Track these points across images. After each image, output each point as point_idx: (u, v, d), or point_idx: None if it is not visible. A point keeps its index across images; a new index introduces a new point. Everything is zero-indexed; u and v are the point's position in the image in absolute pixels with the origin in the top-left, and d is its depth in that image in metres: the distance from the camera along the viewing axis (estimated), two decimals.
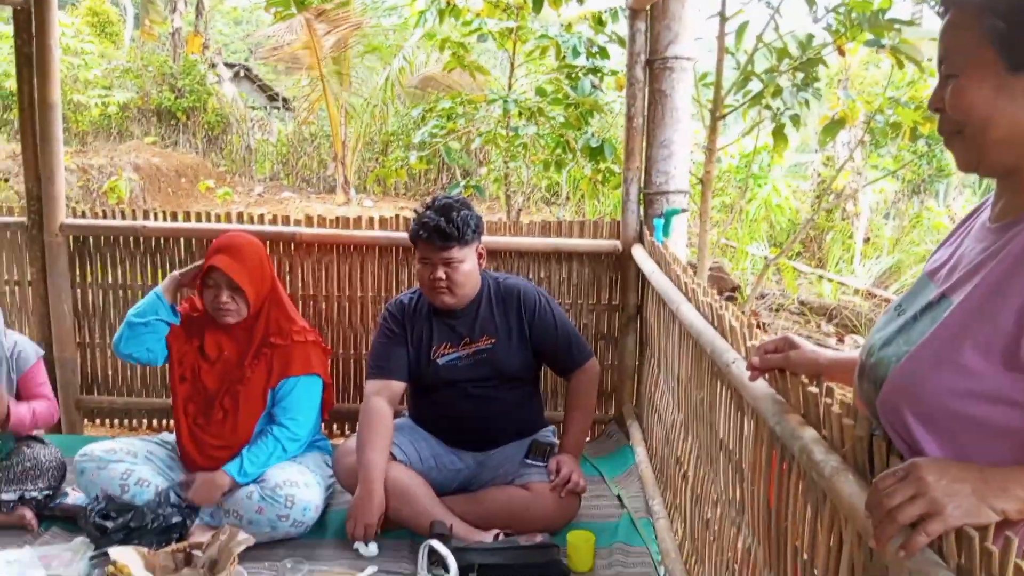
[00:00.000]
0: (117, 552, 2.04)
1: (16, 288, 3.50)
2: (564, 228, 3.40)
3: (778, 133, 4.41)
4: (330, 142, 11.95)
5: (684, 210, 3.17)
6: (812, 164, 9.80)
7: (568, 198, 10.24)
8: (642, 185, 3.24)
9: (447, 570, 1.97)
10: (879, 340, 1.14)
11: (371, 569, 2.32)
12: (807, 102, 4.31)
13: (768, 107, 4.42)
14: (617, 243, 3.32)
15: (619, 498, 2.85)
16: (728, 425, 1.90)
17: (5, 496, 2.57)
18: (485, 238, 3.28)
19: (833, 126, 4.77)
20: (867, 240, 8.73)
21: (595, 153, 4.85)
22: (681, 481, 2.43)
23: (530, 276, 3.37)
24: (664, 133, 3.12)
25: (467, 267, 2.60)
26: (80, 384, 3.55)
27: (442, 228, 2.52)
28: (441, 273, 2.58)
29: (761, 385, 1.51)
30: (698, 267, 4.92)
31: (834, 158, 8.90)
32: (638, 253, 3.14)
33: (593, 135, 4.84)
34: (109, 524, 2.41)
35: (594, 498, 2.84)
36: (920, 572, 0.88)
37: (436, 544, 2.00)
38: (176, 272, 2.80)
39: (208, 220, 3.41)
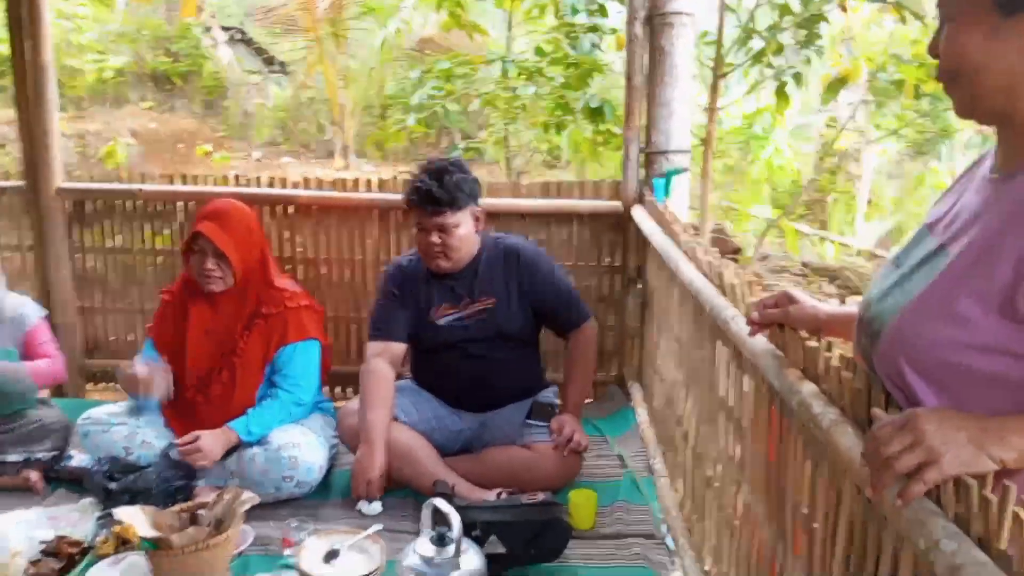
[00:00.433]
0: (123, 512, 2.04)
1: (15, 253, 3.50)
2: (564, 189, 3.38)
3: (780, 92, 4.38)
4: (328, 106, 11.83)
5: (685, 169, 3.14)
6: (815, 126, 9.71)
7: (569, 161, 10.16)
8: (642, 145, 3.21)
9: (450, 528, 1.98)
10: (877, 293, 1.13)
11: (375, 528, 2.34)
12: (809, 60, 4.27)
13: (770, 65, 4.37)
14: (618, 204, 3.30)
15: (620, 458, 2.87)
16: (728, 383, 1.90)
17: (11, 458, 2.60)
18: (484, 200, 3.27)
19: (835, 84, 4.73)
20: (870, 202, 8.68)
21: (595, 114, 4.81)
22: (682, 440, 2.45)
23: (530, 238, 3.35)
24: (664, 91, 3.08)
25: (462, 232, 2.58)
26: (82, 348, 3.56)
27: (433, 194, 2.50)
28: (435, 238, 2.56)
29: (760, 341, 1.51)
30: (700, 228, 4.90)
31: (838, 119, 8.81)
32: (638, 214, 3.12)
33: (593, 96, 4.79)
34: (114, 485, 2.44)
35: (596, 458, 2.86)
36: (917, 521, 0.88)
37: (439, 502, 2.01)
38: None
39: (205, 183, 3.40)
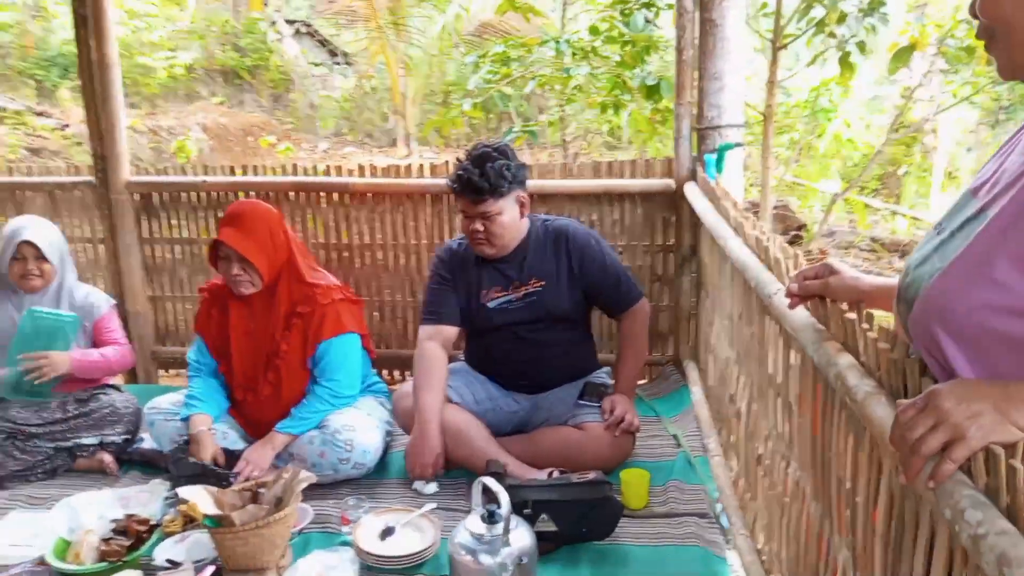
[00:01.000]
0: (187, 491, 2.13)
1: (88, 245, 3.66)
2: (615, 168, 3.35)
3: (844, 61, 4.25)
4: (390, 95, 11.96)
5: (738, 144, 3.08)
6: (890, 97, 9.35)
7: (630, 141, 10.05)
8: (694, 121, 3.16)
9: (500, 506, 2.00)
10: (916, 259, 1.10)
11: (430, 506, 2.39)
12: (874, 28, 4.12)
13: (832, 35, 4.24)
14: (670, 182, 3.26)
15: (675, 438, 2.85)
16: (776, 359, 1.87)
17: (86, 441, 2.72)
18: (535, 182, 3.27)
19: (903, 52, 4.56)
20: (948, 174, 8.34)
21: (652, 92, 4.74)
22: (735, 418, 2.42)
23: (582, 219, 3.34)
24: (715, 65, 3.02)
25: (505, 219, 2.57)
26: (154, 336, 3.71)
27: (474, 182, 2.49)
28: (479, 226, 2.56)
29: (802, 314, 1.48)
30: (761, 205, 4.80)
31: (911, 89, 8.47)
32: (691, 191, 3.08)
33: (650, 74, 4.73)
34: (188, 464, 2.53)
35: (650, 438, 2.85)
36: (945, 491, 0.86)
37: (489, 481, 2.03)
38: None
39: (266, 174, 3.49)
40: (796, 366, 1.68)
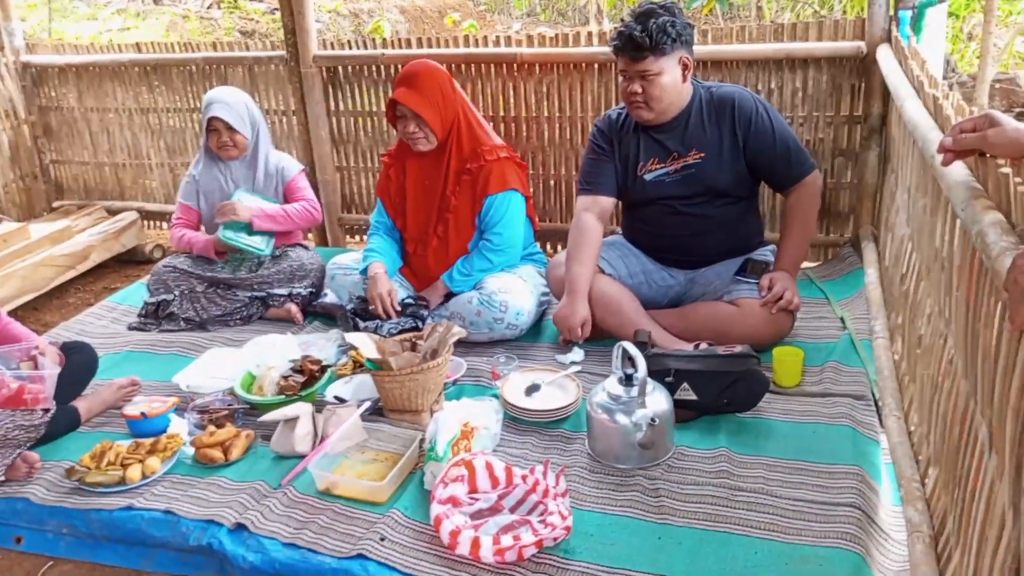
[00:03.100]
0: (353, 337, 2.32)
1: (283, 117, 3.93)
2: (800, 31, 3.08)
3: None
4: None
5: (941, 0, 2.73)
6: None
7: (844, 12, 9.16)
8: None
9: (637, 370, 2.03)
10: None
11: (574, 368, 2.47)
12: None
13: None
14: (861, 44, 2.96)
15: (842, 320, 2.71)
16: (944, 229, 1.71)
17: (277, 291, 3.02)
18: (708, 47, 3.11)
19: None
20: None
21: None
22: (902, 299, 2.26)
23: (759, 88, 3.13)
24: None
25: (665, 80, 2.46)
26: (340, 203, 3.97)
27: (635, 38, 2.39)
28: (637, 87, 2.47)
29: (959, 172, 1.34)
30: (978, 76, 4.29)
31: None
32: (883, 55, 2.79)
33: None
34: (362, 324, 2.76)
35: (815, 319, 2.73)
36: None
37: (627, 345, 2.05)
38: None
39: (439, 46, 3.54)
40: (957, 233, 1.53)
